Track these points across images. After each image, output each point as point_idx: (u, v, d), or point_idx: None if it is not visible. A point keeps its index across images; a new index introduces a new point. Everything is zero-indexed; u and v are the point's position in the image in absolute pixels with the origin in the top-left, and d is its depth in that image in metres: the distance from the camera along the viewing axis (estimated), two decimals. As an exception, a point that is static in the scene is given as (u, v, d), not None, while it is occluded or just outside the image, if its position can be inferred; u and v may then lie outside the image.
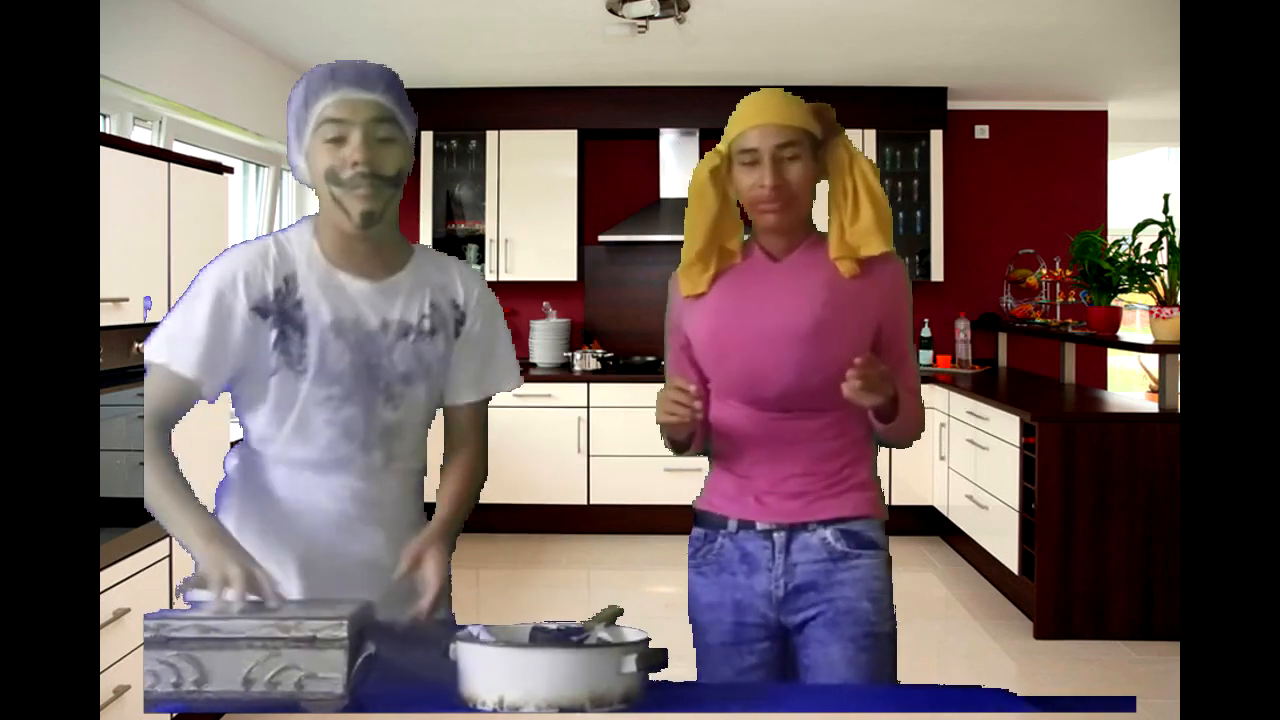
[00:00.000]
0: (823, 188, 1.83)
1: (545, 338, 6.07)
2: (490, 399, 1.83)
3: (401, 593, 1.65)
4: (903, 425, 1.80)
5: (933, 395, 5.32)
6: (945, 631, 4.42)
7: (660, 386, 1.75)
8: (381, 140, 1.65)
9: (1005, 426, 4.44)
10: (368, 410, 1.68)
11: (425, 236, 6.01)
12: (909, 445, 1.90)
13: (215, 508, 1.74)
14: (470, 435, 1.81)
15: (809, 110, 1.80)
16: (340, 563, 1.69)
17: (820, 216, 1.83)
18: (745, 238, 1.86)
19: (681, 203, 7.23)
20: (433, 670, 1.60)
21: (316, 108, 1.63)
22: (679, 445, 1.88)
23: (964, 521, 4.99)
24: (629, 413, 5.72)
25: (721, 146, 1.83)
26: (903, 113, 5.89)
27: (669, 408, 1.73)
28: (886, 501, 1.92)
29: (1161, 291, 4.28)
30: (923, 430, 1.90)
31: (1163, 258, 4.28)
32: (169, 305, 2.95)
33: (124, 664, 2.72)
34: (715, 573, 1.85)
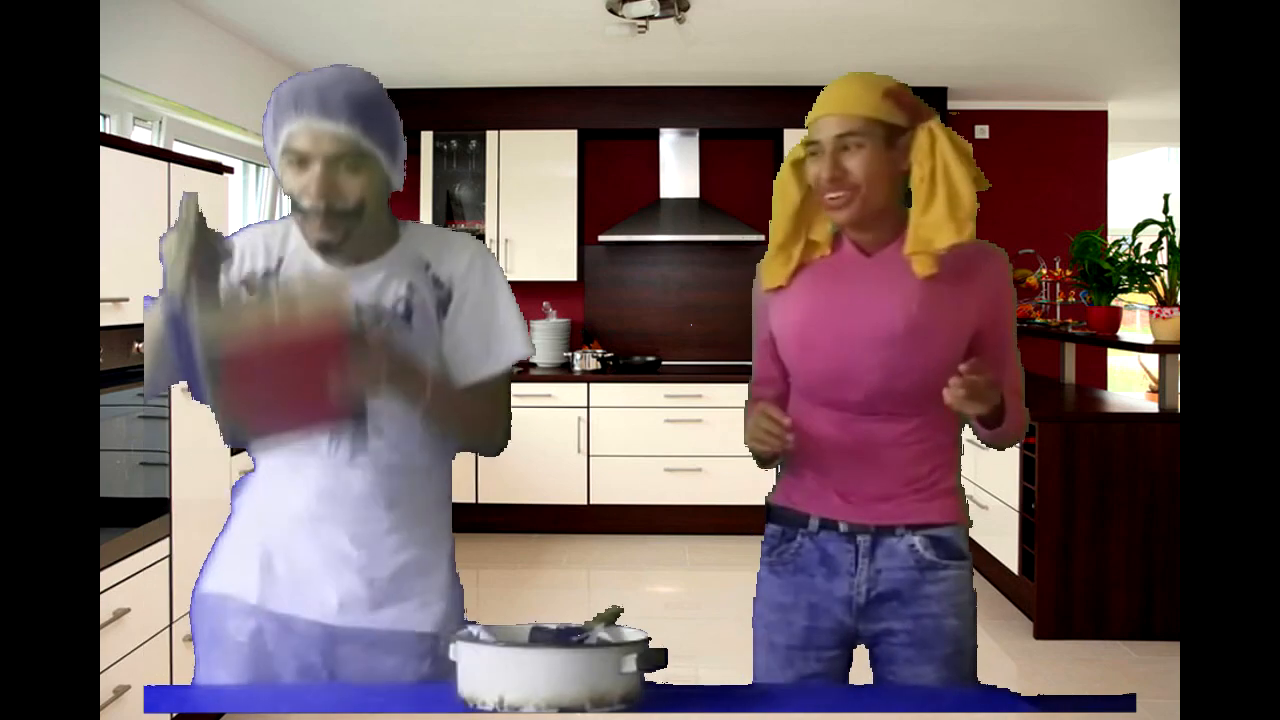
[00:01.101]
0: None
1: (545, 338, 6.08)
2: (505, 373, 1.70)
3: (361, 598, 1.62)
4: (1007, 430, 1.73)
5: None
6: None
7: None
8: (345, 170, 1.58)
9: (1005, 426, 4.44)
10: None
11: (425, 236, 6.01)
12: (1010, 447, 1.81)
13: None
14: (486, 405, 1.68)
15: (884, 96, 1.69)
16: (299, 561, 1.64)
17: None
18: (836, 230, 1.78)
19: (681, 203, 7.22)
20: (393, 678, 1.60)
21: (282, 133, 1.59)
22: (763, 461, 1.81)
23: (964, 521, 4.99)
24: (629, 413, 5.72)
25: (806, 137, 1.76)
26: (903, 113, 5.88)
27: (759, 435, 1.67)
28: None
29: (1161, 291, 4.28)
30: (1025, 432, 1.81)
31: (1163, 258, 4.28)
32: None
33: (124, 664, 2.72)
34: (791, 573, 1.78)
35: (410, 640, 1.62)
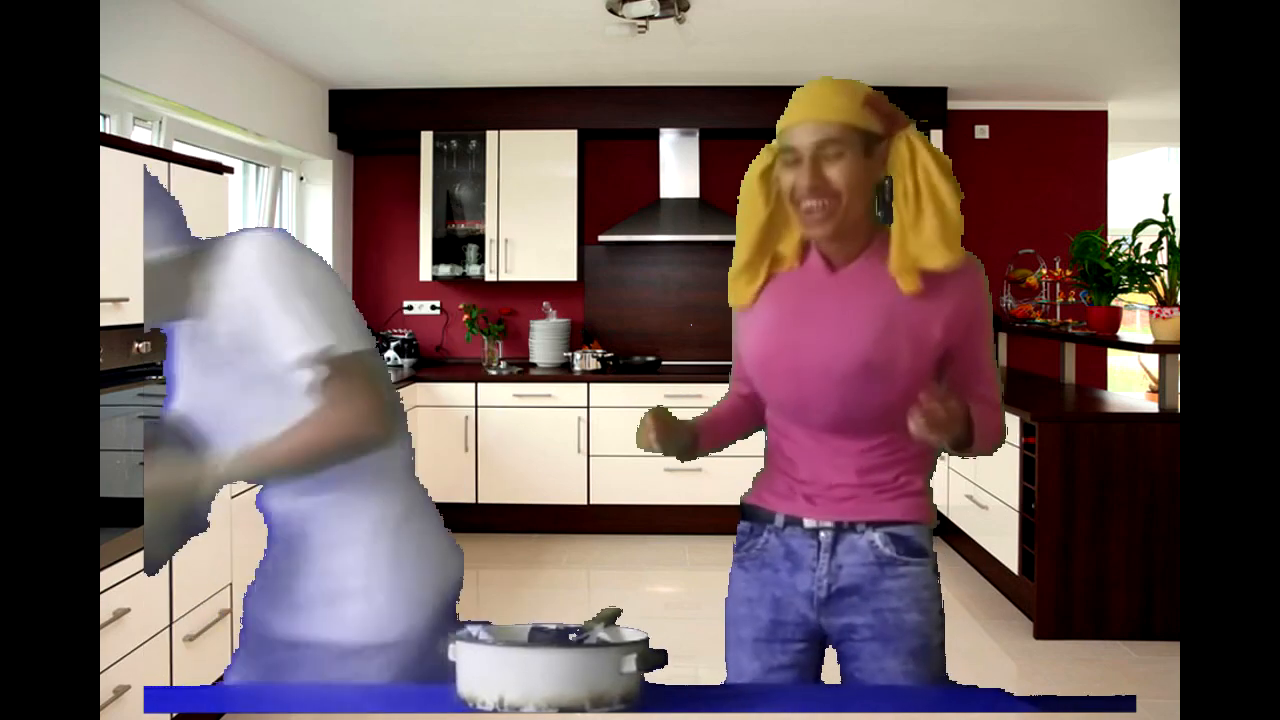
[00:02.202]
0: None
1: (545, 338, 6.08)
2: (316, 381, 1.53)
3: (299, 614, 1.69)
4: (979, 445, 1.71)
5: (933, 395, 5.32)
6: (946, 631, 4.42)
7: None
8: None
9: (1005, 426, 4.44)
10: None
11: (425, 236, 6.03)
12: (991, 455, 1.81)
13: None
14: (310, 422, 1.56)
15: (861, 103, 1.65)
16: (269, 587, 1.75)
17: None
18: (805, 241, 1.76)
19: (680, 203, 7.19)
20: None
21: None
22: (674, 457, 1.84)
23: (964, 521, 4.99)
24: (629, 413, 5.69)
25: (774, 144, 1.72)
26: (903, 113, 5.88)
27: (639, 429, 1.74)
28: None
29: (1161, 291, 4.28)
30: (1001, 443, 1.80)
31: (1163, 258, 4.28)
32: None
33: (124, 664, 2.72)
34: (757, 567, 1.81)
35: (318, 648, 1.66)
